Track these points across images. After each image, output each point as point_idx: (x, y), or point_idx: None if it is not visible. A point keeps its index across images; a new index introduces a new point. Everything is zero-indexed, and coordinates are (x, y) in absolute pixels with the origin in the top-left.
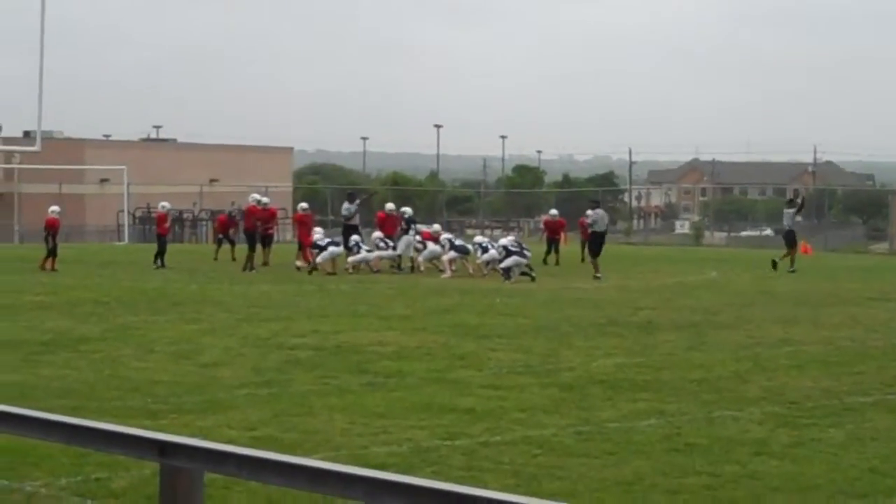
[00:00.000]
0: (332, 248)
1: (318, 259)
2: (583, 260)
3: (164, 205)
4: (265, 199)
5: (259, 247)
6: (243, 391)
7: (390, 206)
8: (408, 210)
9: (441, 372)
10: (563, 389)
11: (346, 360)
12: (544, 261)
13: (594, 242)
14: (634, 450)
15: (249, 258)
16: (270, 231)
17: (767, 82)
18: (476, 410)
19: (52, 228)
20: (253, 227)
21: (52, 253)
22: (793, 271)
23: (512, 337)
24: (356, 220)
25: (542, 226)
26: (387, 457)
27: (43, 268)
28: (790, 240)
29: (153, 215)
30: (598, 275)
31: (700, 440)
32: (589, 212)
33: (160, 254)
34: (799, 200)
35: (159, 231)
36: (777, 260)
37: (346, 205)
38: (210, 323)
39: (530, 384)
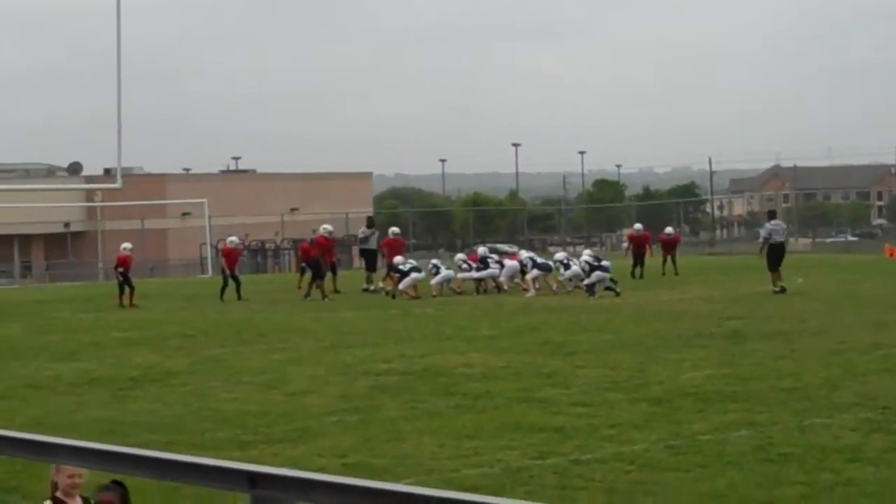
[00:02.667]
0: (413, 275)
1: (401, 286)
2: (664, 273)
3: (233, 239)
4: (329, 228)
5: (329, 275)
6: (332, 418)
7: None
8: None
9: (529, 391)
10: (652, 404)
11: (434, 384)
12: (632, 274)
13: (772, 254)
14: (727, 461)
15: (320, 286)
16: (332, 259)
17: (844, 85)
18: (566, 428)
19: (124, 265)
20: (320, 256)
21: (124, 288)
22: None
23: (599, 353)
24: (372, 244)
25: (626, 240)
26: (478, 478)
27: (121, 304)
28: None
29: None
30: (779, 286)
31: (793, 449)
32: (767, 224)
33: (237, 287)
34: None
35: (230, 265)
36: None
37: (363, 229)
38: (296, 352)
39: (619, 400)
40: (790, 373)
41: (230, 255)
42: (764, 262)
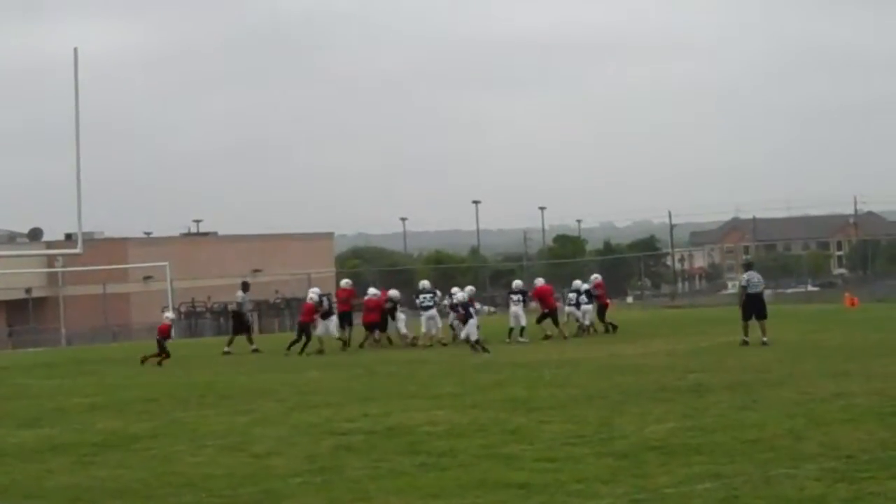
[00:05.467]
0: (332, 318)
1: (318, 330)
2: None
3: (313, 297)
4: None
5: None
6: (297, 480)
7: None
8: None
9: (494, 447)
10: (617, 458)
11: (399, 442)
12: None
13: (748, 304)
14: None
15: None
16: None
17: (801, 135)
18: (531, 484)
19: (162, 333)
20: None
21: (164, 352)
22: None
23: (563, 408)
24: (244, 309)
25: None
26: None
27: (146, 358)
28: None
29: (197, 309)
30: (745, 339)
31: (758, 500)
32: (743, 275)
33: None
34: None
35: (304, 319)
36: None
37: (238, 292)
38: (261, 413)
39: (584, 454)
40: (753, 424)
41: (308, 310)
42: (740, 312)
